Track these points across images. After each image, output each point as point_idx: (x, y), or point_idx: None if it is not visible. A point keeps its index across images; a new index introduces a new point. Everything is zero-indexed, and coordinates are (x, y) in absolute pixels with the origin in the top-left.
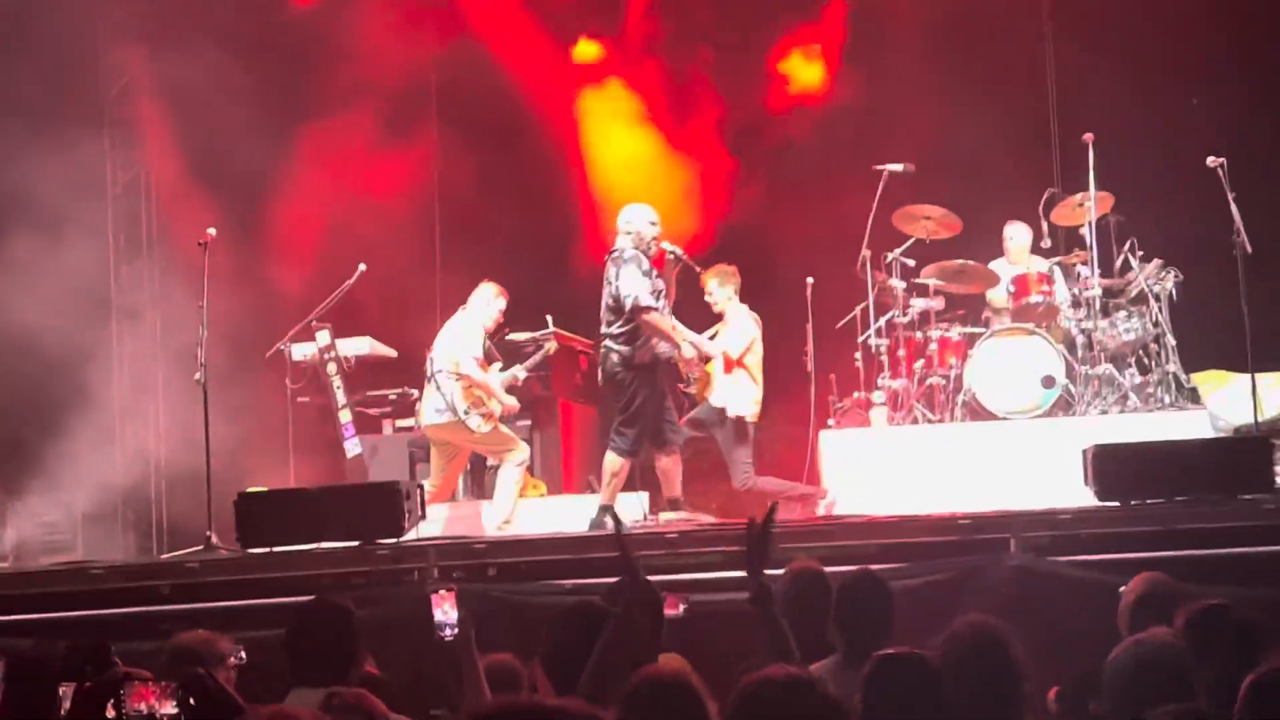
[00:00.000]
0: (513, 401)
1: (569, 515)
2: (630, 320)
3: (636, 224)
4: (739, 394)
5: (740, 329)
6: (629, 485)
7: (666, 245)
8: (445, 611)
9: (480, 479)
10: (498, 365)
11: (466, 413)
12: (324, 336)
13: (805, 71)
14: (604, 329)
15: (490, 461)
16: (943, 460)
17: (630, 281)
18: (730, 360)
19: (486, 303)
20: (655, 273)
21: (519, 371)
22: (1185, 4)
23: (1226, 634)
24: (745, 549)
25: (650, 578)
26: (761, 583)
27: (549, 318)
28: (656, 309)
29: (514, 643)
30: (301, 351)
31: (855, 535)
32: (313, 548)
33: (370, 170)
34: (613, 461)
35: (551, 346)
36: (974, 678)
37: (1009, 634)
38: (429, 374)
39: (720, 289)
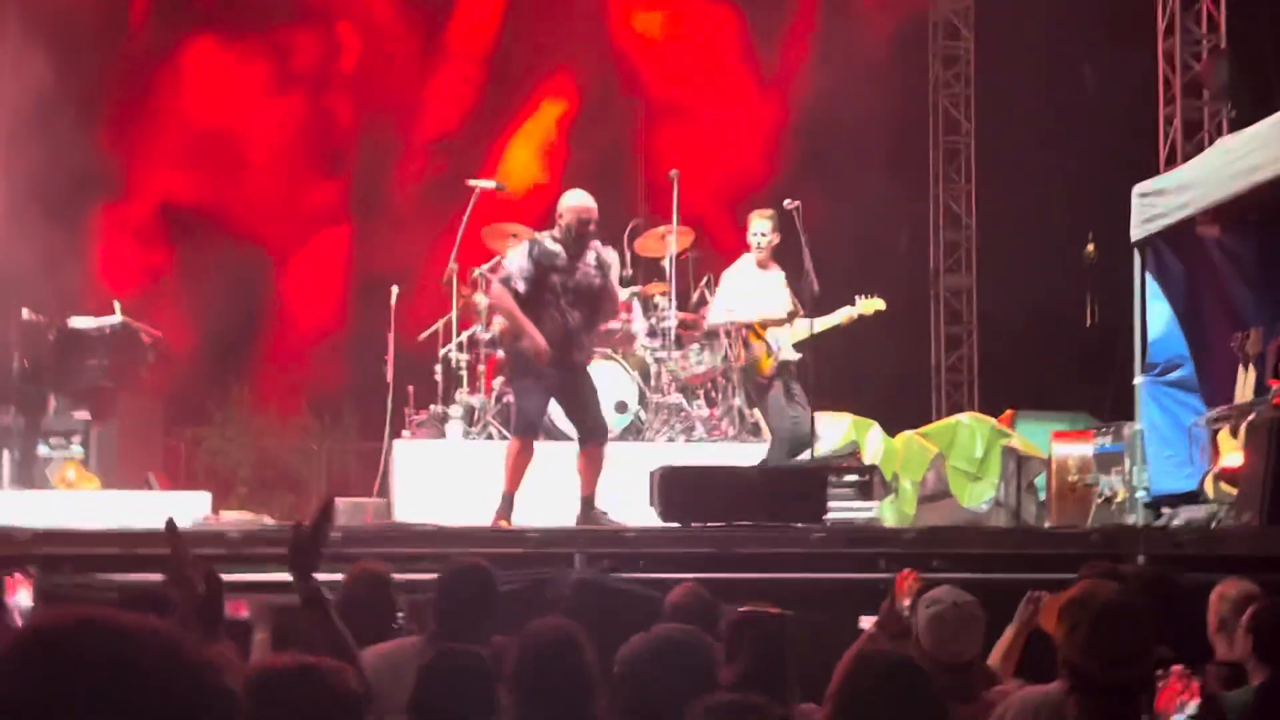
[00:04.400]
0: None
1: (123, 511)
2: None
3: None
4: None
5: None
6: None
7: None
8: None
9: (29, 467)
10: None
11: None
12: None
13: None
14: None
15: None
16: None
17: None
18: None
19: None
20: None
21: None
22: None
23: (759, 635)
24: (290, 552)
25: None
26: (310, 586)
27: (117, 303)
28: None
29: None
30: None
31: (424, 543)
32: None
33: None
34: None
35: None
36: (546, 676)
37: (582, 636)
38: None
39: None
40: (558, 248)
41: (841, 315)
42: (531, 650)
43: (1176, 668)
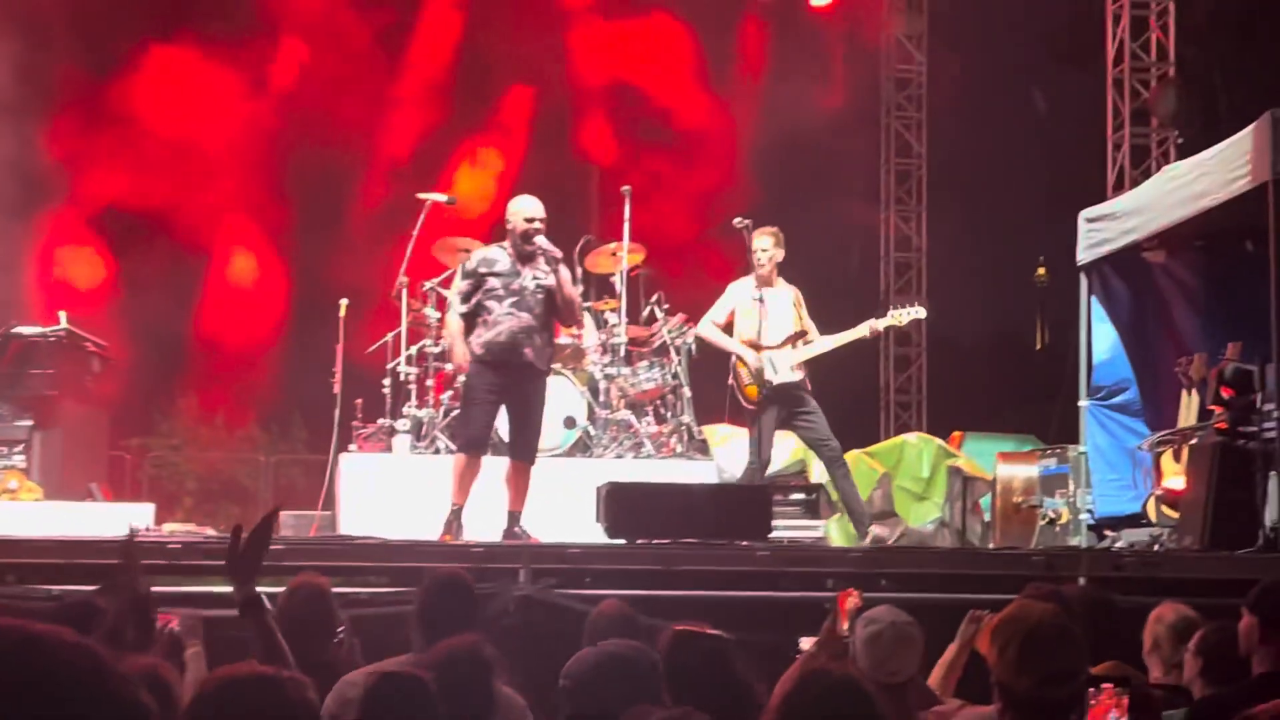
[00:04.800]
0: None
1: (63, 521)
2: None
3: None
4: None
5: None
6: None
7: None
8: None
9: None
10: None
11: None
12: None
13: None
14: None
15: None
16: None
17: None
18: None
19: None
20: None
21: None
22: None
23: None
24: (229, 557)
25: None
26: (247, 590)
27: (62, 314)
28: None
29: None
30: None
31: (367, 556)
32: None
33: None
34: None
35: None
36: (452, 690)
37: (491, 654)
38: None
39: None
40: (499, 254)
41: (864, 329)
42: (438, 668)
43: (1107, 685)
